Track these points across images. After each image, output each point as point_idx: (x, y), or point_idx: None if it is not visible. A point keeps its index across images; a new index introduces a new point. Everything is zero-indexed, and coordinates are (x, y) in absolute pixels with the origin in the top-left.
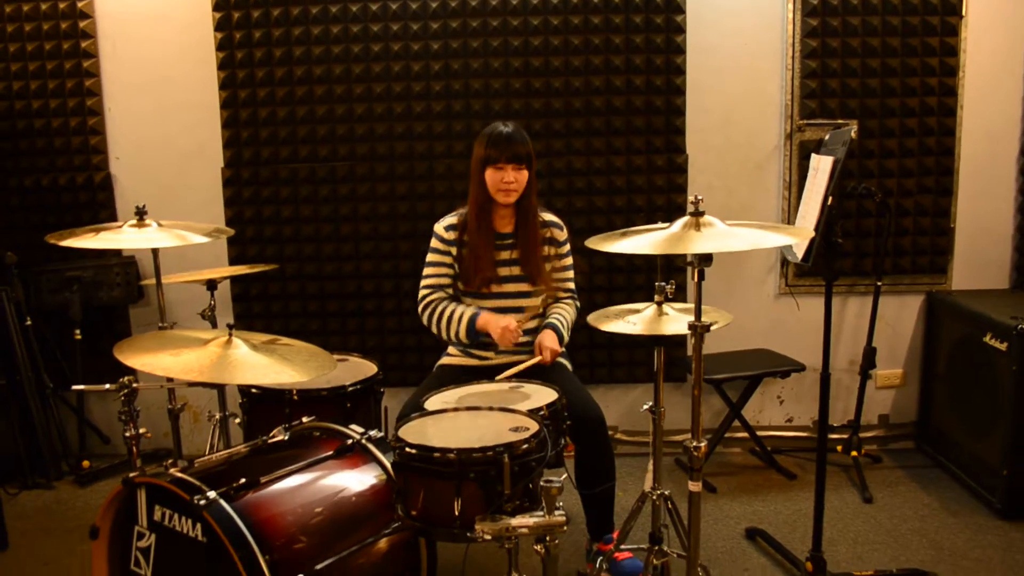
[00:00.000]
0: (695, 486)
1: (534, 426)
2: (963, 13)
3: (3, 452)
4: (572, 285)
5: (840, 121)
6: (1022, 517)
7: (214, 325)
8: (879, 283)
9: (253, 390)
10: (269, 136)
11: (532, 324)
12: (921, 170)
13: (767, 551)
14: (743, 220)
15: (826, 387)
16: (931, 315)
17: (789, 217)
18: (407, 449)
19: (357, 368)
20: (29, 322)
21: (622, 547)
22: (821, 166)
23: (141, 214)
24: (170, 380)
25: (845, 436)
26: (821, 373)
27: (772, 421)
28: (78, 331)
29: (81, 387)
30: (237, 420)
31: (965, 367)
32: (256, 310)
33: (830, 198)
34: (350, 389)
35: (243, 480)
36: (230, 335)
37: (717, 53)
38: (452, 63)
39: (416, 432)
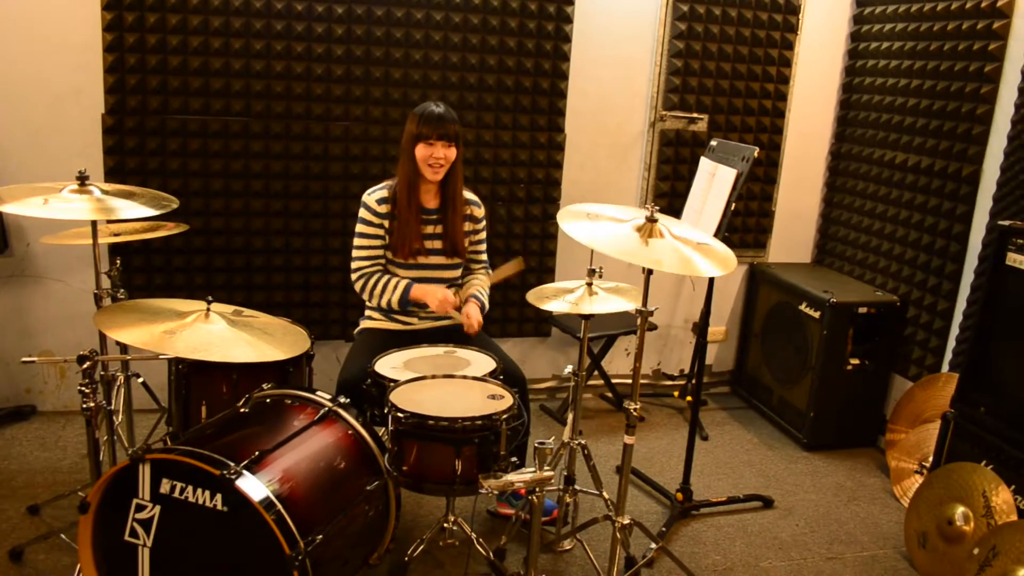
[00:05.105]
0: (630, 439)
1: (507, 394)
2: (799, 31)
3: None
4: (485, 257)
5: (695, 115)
6: (822, 448)
7: (118, 285)
8: None
9: None
10: (159, 85)
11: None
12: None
13: (639, 484)
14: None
15: (702, 358)
16: (752, 283)
17: (647, 196)
18: (409, 419)
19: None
20: None
21: None
22: (720, 174)
23: (83, 179)
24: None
25: (681, 383)
26: (697, 341)
27: (619, 370)
28: None
29: (32, 359)
30: (140, 380)
31: (779, 328)
32: (137, 264)
33: (733, 205)
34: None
35: (257, 453)
36: (208, 309)
37: (599, 44)
38: (355, 28)
39: (408, 400)
